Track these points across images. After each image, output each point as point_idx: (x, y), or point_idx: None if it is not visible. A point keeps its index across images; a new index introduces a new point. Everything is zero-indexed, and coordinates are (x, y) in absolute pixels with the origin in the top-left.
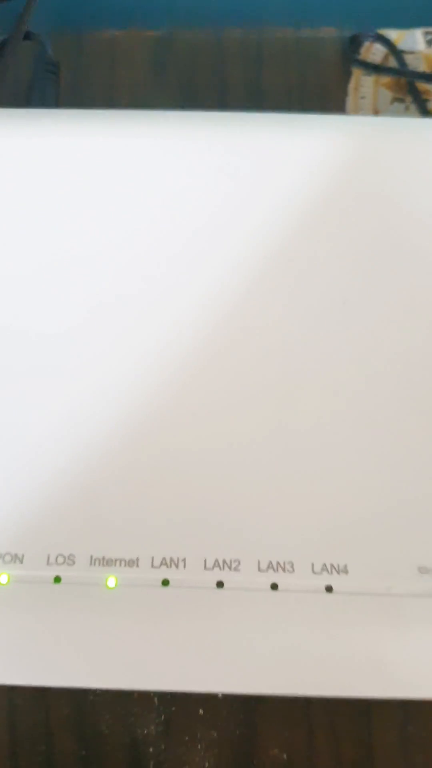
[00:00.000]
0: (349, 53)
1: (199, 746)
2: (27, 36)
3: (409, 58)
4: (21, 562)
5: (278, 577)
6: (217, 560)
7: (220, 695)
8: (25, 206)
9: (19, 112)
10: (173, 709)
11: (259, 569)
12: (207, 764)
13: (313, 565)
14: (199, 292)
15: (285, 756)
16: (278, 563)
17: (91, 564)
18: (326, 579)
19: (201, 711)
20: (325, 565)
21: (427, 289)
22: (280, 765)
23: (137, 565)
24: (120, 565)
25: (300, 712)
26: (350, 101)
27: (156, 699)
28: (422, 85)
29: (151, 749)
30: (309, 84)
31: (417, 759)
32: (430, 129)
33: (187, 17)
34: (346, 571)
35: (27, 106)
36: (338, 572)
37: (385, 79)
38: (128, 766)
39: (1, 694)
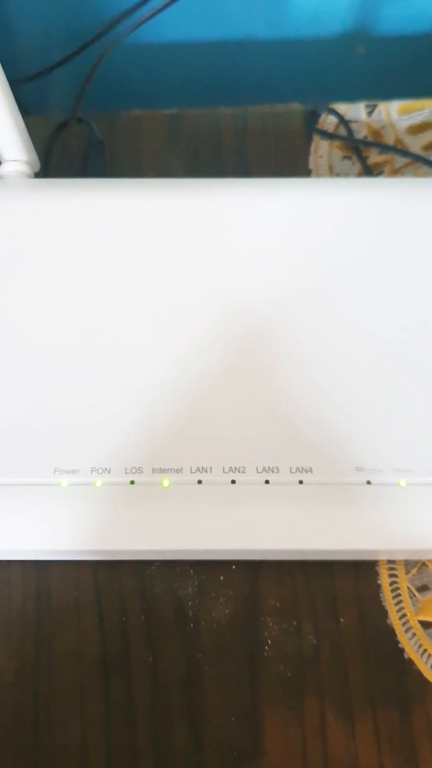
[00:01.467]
0: (310, 124)
1: (221, 600)
2: (80, 119)
3: (354, 126)
4: (108, 472)
5: (269, 476)
6: (231, 467)
7: (233, 567)
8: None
9: (81, 181)
10: (203, 577)
11: (257, 471)
12: (227, 611)
13: (290, 468)
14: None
15: (278, 604)
16: (269, 467)
17: (152, 472)
18: (299, 476)
19: (221, 577)
20: (298, 467)
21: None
22: (275, 610)
23: (181, 472)
24: (170, 472)
25: (288, 576)
26: (312, 159)
27: (191, 570)
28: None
29: (189, 603)
30: (282, 146)
31: (363, 607)
32: (368, 186)
33: (191, 100)
34: (311, 471)
35: (83, 176)
36: (306, 472)
37: (337, 143)
38: (175, 615)
39: (89, 569)
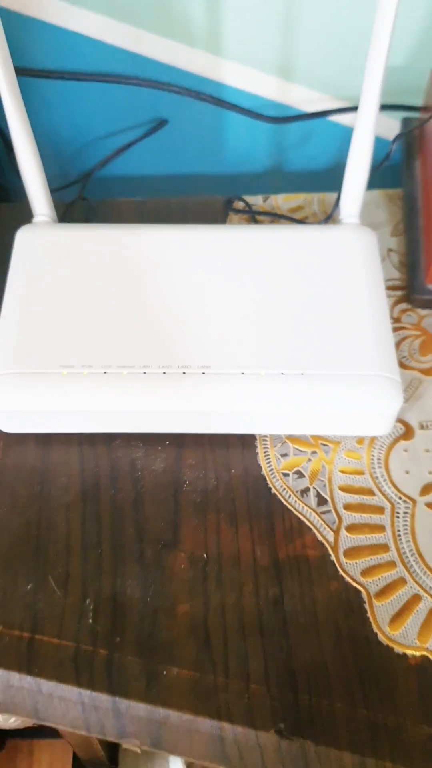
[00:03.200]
0: (228, 206)
1: (158, 459)
2: (83, 198)
3: (254, 207)
4: (90, 367)
5: (187, 370)
6: (202, 365)
7: (167, 442)
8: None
9: (87, 224)
10: (148, 446)
11: (179, 367)
12: (162, 465)
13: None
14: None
15: (193, 462)
16: (185, 365)
17: (117, 367)
18: (202, 370)
19: (159, 447)
20: (200, 365)
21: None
22: (191, 465)
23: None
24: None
25: (199, 445)
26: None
27: (141, 442)
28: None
29: (138, 462)
30: (210, 219)
31: (247, 464)
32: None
33: (152, 194)
34: (210, 367)
35: None
36: (207, 367)
37: (243, 216)
38: (130, 468)
39: (75, 437)
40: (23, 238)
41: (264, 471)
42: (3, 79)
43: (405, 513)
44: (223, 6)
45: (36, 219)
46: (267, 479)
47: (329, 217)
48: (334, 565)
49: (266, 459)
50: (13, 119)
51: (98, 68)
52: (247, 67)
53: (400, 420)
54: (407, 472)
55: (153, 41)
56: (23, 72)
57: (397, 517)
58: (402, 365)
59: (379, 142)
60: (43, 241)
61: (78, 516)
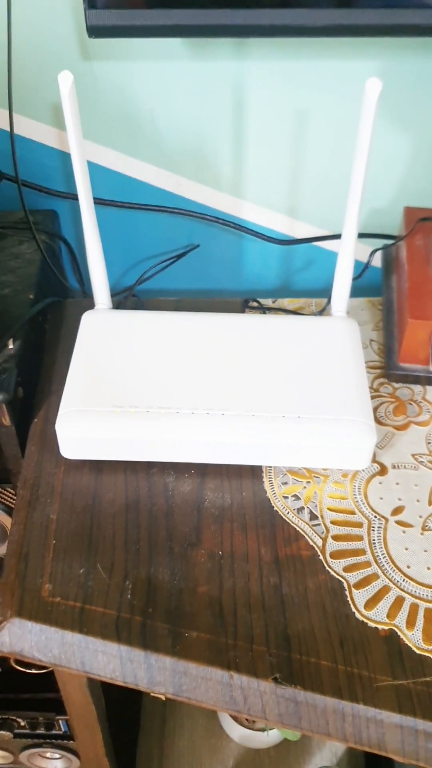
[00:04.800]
0: (244, 305)
1: (187, 483)
2: (133, 295)
3: (265, 306)
4: (137, 407)
5: (215, 413)
6: (222, 408)
7: (192, 471)
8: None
9: (138, 311)
10: (178, 473)
11: (206, 410)
12: (189, 488)
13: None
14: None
15: (212, 486)
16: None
17: (158, 408)
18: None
19: (186, 475)
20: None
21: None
22: (211, 488)
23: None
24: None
25: (218, 472)
26: None
27: (172, 470)
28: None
29: (171, 486)
30: None
31: (255, 489)
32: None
33: (186, 296)
34: (228, 410)
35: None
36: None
37: (258, 311)
38: (163, 491)
39: (120, 464)
40: (87, 319)
41: (268, 494)
42: (85, 206)
43: (379, 527)
44: (243, 162)
45: (97, 306)
46: (271, 501)
47: (322, 311)
48: (323, 562)
49: (270, 486)
50: (89, 231)
51: (147, 204)
52: (262, 207)
53: (376, 461)
54: (381, 498)
55: (190, 186)
56: (95, 201)
57: (373, 530)
58: (379, 422)
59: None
60: (102, 320)
61: (122, 522)
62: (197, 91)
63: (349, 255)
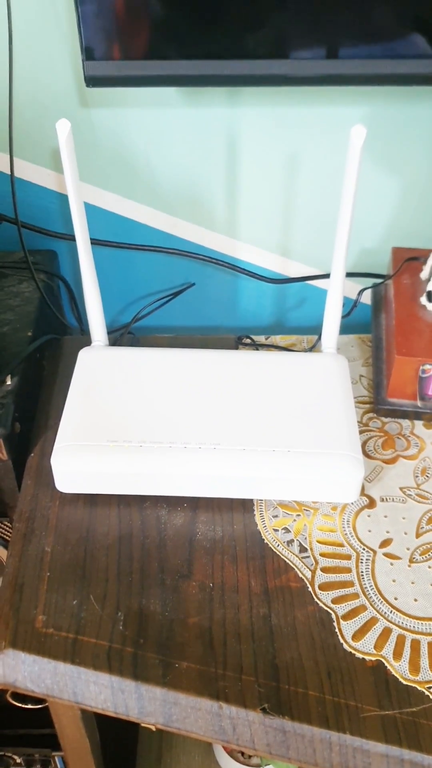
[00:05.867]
0: (237, 341)
1: (180, 515)
2: (129, 332)
3: (258, 343)
4: (130, 442)
5: (205, 447)
6: (214, 442)
7: (185, 504)
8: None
9: (133, 348)
10: (170, 506)
11: (197, 443)
12: (181, 521)
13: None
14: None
15: (204, 518)
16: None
17: (150, 442)
18: (213, 445)
19: (179, 508)
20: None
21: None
22: (203, 521)
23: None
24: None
25: (211, 505)
26: None
27: (164, 503)
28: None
29: (163, 518)
30: None
31: (246, 521)
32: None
33: (180, 333)
34: (220, 444)
35: None
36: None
37: (251, 348)
38: (156, 523)
39: (114, 497)
40: (84, 356)
41: (259, 527)
42: (82, 247)
43: (367, 560)
44: (237, 203)
45: (93, 343)
46: (261, 533)
47: (313, 347)
48: (311, 594)
49: (261, 518)
50: (85, 271)
51: (146, 244)
52: (255, 247)
53: (365, 494)
54: (370, 531)
55: (185, 226)
56: (92, 242)
57: (361, 562)
58: (368, 456)
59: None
60: (99, 357)
61: (115, 554)
62: (192, 136)
63: (337, 294)
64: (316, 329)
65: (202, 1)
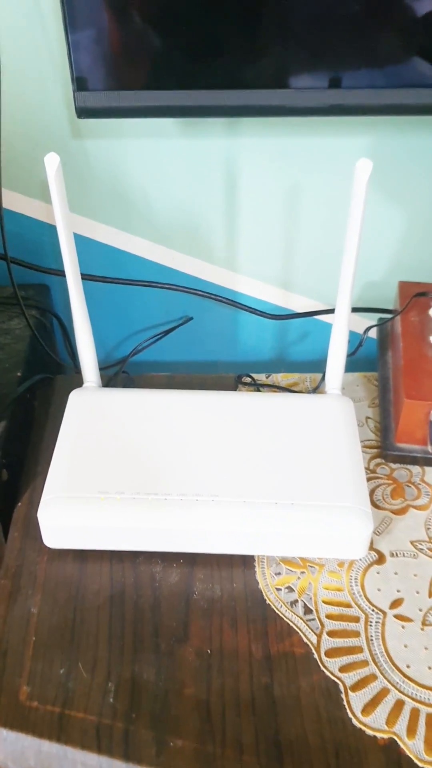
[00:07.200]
0: (237, 380)
1: (175, 573)
2: (123, 372)
3: (259, 382)
4: (123, 493)
5: (205, 499)
6: (212, 494)
7: (181, 561)
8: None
9: (126, 389)
10: (166, 562)
11: (195, 495)
12: (177, 578)
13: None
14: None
15: (201, 576)
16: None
17: (180, 496)
18: (212, 498)
19: (174, 564)
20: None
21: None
22: (200, 579)
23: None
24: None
25: (208, 561)
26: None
27: (159, 559)
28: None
29: (158, 575)
30: None
31: (246, 579)
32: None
33: (177, 371)
34: (218, 495)
35: None
36: (216, 496)
37: (250, 388)
38: (149, 579)
39: (107, 553)
40: (75, 399)
41: (261, 585)
42: (73, 285)
43: (377, 622)
44: (237, 236)
45: (85, 384)
46: (263, 593)
47: (317, 388)
48: (317, 661)
49: (263, 576)
50: (76, 310)
51: (141, 277)
52: (256, 280)
53: (374, 549)
54: (379, 590)
55: (183, 259)
56: (86, 277)
57: (370, 625)
58: (376, 506)
59: (359, 336)
60: (90, 400)
61: (106, 615)
62: (189, 167)
63: (342, 333)
64: (319, 363)
65: (201, 29)
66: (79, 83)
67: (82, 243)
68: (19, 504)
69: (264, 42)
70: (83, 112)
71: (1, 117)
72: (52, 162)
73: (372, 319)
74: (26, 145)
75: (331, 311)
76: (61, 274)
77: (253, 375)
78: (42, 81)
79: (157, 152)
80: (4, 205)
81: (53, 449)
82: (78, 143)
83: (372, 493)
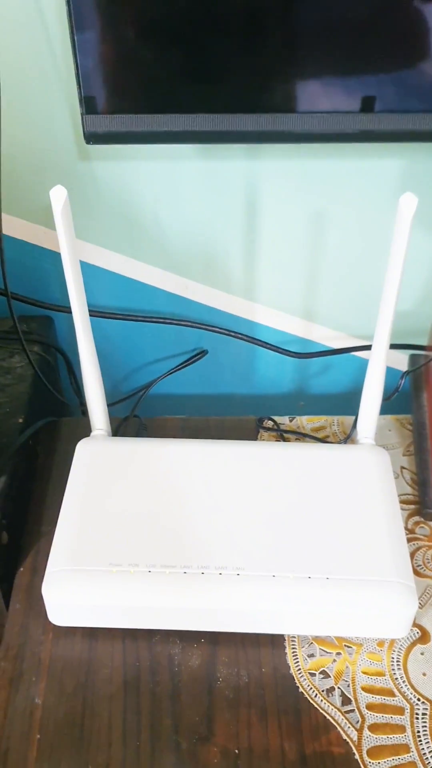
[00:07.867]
0: (258, 424)
1: (195, 655)
2: (135, 416)
3: (282, 426)
4: (137, 566)
5: (229, 572)
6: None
7: (202, 640)
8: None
9: (137, 438)
10: (186, 642)
11: (216, 568)
12: (198, 661)
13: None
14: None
15: (226, 659)
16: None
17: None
18: (236, 571)
19: (195, 645)
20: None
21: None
22: (224, 662)
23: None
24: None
25: (232, 641)
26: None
27: (178, 639)
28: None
29: (176, 658)
30: (244, 437)
31: (276, 662)
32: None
33: (193, 413)
34: (244, 568)
35: None
36: (241, 569)
37: (272, 434)
38: (168, 662)
39: (119, 632)
40: (82, 450)
41: (292, 670)
42: (79, 321)
43: (424, 714)
44: (255, 264)
45: (94, 433)
46: (295, 678)
47: (348, 437)
48: (358, 763)
49: (294, 659)
50: (84, 352)
51: (153, 308)
52: (276, 311)
53: (416, 624)
54: (424, 674)
55: (198, 288)
56: (94, 314)
57: (416, 718)
58: (417, 573)
59: (389, 371)
60: (99, 452)
61: (119, 707)
62: (205, 191)
63: (378, 377)
64: (343, 398)
65: (221, 48)
66: (88, 105)
67: (89, 271)
68: (21, 569)
69: (288, 62)
70: (92, 138)
71: (1, 135)
72: (58, 196)
73: (403, 353)
74: (29, 167)
75: (361, 348)
76: (66, 310)
77: (275, 418)
78: (47, 99)
79: (171, 174)
80: (5, 231)
81: (58, 505)
82: (85, 165)
83: (412, 556)
